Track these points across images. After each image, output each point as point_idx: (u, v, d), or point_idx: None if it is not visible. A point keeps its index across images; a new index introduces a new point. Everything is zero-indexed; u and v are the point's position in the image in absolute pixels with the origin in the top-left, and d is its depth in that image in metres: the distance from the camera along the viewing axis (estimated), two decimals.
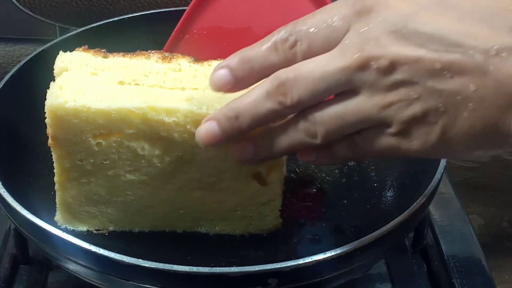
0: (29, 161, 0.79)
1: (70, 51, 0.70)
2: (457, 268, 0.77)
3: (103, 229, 0.75)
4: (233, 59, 0.58)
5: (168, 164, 0.68)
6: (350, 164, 0.85)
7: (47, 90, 0.65)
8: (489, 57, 0.48)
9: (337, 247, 0.62)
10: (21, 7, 1.07)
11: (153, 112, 0.64)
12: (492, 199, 0.99)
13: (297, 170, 0.84)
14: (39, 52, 0.85)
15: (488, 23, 0.49)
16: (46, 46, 0.86)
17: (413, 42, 0.50)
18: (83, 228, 0.74)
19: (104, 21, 0.93)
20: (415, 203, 0.67)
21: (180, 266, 0.60)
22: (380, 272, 0.79)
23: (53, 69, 0.68)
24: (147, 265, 0.60)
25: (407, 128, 0.53)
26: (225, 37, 0.85)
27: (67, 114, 0.64)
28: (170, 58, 0.69)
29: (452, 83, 0.49)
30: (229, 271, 0.60)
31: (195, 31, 0.86)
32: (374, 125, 0.54)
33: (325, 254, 0.61)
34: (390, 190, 0.80)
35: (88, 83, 0.66)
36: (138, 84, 0.67)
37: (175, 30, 0.85)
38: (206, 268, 0.60)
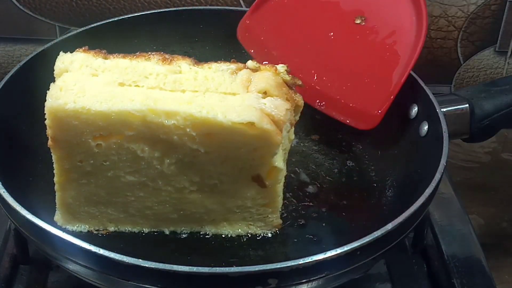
0: (29, 161, 0.79)
1: (70, 51, 0.70)
2: (457, 268, 0.77)
3: (103, 229, 0.75)
4: None
5: (168, 166, 0.68)
6: (350, 164, 0.85)
7: (47, 91, 0.65)
8: None
9: (337, 247, 0.62)
10: (21, 7, 1.07)
11: (153, 115, 0.64)
12: (492, 199, 0.99)
13: (297, 170, 0.84)
14: (39, 52, 0.85)
15: None
16: (46, 46, 0.86)
17: None
18: (83, 228, 0.74)
19: (104, 21, 0.93)
20: (415, 203, 0.67)
21: (180, 266, 0.60)
22: (380, 272, 0.79)
23: (53, 69, 0.68)
24: (147, 265, 0.60)
25: None
26: (310, 8, 0.86)
27: (67, 115, 0.64)
28: (170, 60, 0.69)
29: None
30: (229, 271, 0.60)
31: None
32: None
33: (325, 254, 0.61)
34: (390, 190, 0.80)
35: (88, 85, 0.66)
36: (138, 86, 0.67)
37: None
38: (206, 268, 0.60)
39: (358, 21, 0.82)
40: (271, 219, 0.74)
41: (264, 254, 0.73)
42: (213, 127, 0.65)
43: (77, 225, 0.74)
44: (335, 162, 0.86)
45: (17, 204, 0.66)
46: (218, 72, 0.69)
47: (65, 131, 0.65)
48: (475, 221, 0.84)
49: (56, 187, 0.71)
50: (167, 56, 0.70)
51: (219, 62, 0.70)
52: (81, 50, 0.70)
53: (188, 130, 0.65)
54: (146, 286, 0.62)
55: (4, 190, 0.68)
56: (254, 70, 0.69)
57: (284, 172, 0.72)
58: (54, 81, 0.67)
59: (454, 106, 0.82)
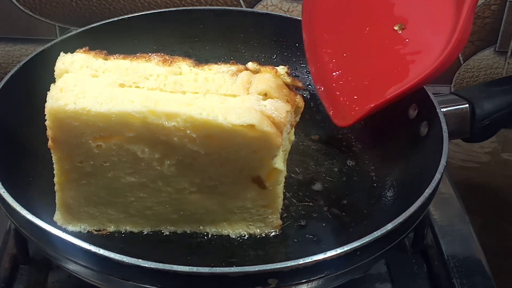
0: (29, 161, 0.79)
1: (70, 52, 0.70)
2: (457, 268, 0.77)
3: (103, 230, 0.75)
4: None
5: (168, 167, 0.68)
6: (350, 164, 0.85)
7: (48, 91, 0.65)
8: None
9: (337, 247, 0.62)
10: (21, 7, 1.07)
11: (153, 116, 0.64)
12: (492, 199, 0.99)
13: (297, 170, 0.84)
14: (39, 52, 0.85)
15: None
16: (46, 46, 0.86)
17: None
18: (83, 228, 0.74)
19: (104, 21, 0.93)
20: (415, 203, 0.67)
21: (180, 266, 0.60)
22: (380, 272, 0.79)
23: (53, 69, 0.68)
24: (147, 265, 0.60)
25: None
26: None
27: (67, 116, 0.64)
28: (171, 62, 0.69)
29: None
30: (229, 271, 0.60)
31: None
32: None
33: (325, 254, 0.61)
34: (390, 190, 0.80)
35: (89, 85, 0.66)
36: (139, 87, 0.67)
37: None
38: (206, 268, 0.60)
39: (396, 28, 0.81)
40: (271, 219, 0.74)
41: (264, 254, 0.73)
42: (214, 129, 0.65)
43: (77, 225, 0.74)
44: (335, 162, 0.86)
45: (17, 204, 0.66)
46: (219, 74, 0.69)
47: (66, 132, 0.65)
48: (475, 221, 0.84)
49: (56, 188, 0.71)
50: (167, 57, 0.70)
51: (219, 63, 0.70)
52: (81, 50, 0.70)
53: (188, 132, 0.65)
54: (146, 286, 0.62)
55: (4, 190, 0.68)
56: (255, 71, 0.69)
57: (284, 173, 0.72)
58: (54, 81, 0.67)
59: (454, 106, 0.82)
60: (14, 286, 0.76)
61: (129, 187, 0.70)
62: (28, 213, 0.65)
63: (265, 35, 0.97)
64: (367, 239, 0.63)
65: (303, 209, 0.79)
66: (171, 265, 0.60)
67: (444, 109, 0.79)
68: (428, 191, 0.68)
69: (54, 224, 0.72)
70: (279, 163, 0.70)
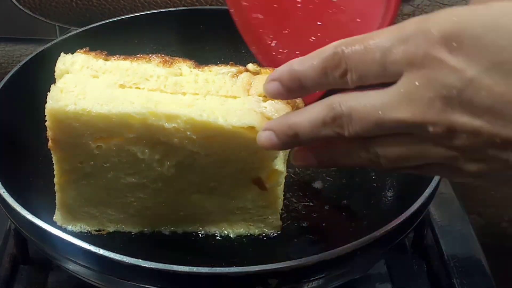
0: (29, 161, 0.79)
1: (71, 52, 0.70)
2: (457, 268, 0.77)
3: (103, 230, 0.75)
4: (284, 75, 0.57)
5: (168, 168, 0.68)
6: None
7: (48, 91, 0.65)
8: None
9: (337, 247, 0.62)
10: (21, 7, 1.07)
11: (154, 118, 0.64)
12: (492, 199, 0.99)
13: (297, 170, 0.84)
14: (39, 52, 0.85)
15: None
16: (46, 46, 0.86)
17: (469, 112, 0.47)
18: (83, 228, 0.74)
19: (104, 21, 0.93)
20: (415, 203, 0.67)
21: (180, 266, 0.60)
22: (380, 272, 0.79)
23: (54, 70, 0.68)
24: (147, 265, 0.60)
25: (473, 172, 0.51)
26: None
27: (68, 117, 0.64)
28: (171, 63, 0.69)
29: None
30: (229, 271, 0.60)
31: None
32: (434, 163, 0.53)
33: (325, 254, 0.61)
34: (390, 190, 0.80)
35: (89, 86, 0.66)
36: (139, 88, 0.67)
37: None
38: (206, 268, 0.60)
39: None
40: (271, 220, 0.74)
41: (264, 254, 0.73)
42: (214, 130, 0.65)
43: (77, 225, 0.74)
44: None
45: (17, 204, 0.66)
46: (219, 75, 0.69)
47: (66, 133, 0.65)
48: (475, 221, 0.84)
49: (56, 188, 0.71)
50: (167, 58, 0.70)
51: (219, 65, 0.70)
52: (81, 51, 0.70)
53: (188, 133, 0.65)
54: (146, 286, 0.62)
55: (4, 190, 0.68)
56: (255, 73, 0.69)
57: (285, 174, 0.72)
58: (54, 81, 0.67)
59: None
60: (14, 286, 0.76)
61: (129, 187, 0.70)
62: (28, 213, 0.65)
63: None
64: (367, 239, 0.63)
65: (303, 209, 0.79)
66: (171, 265, 0.60)
67: None
68: (428, 191, 0.68)
69: (54, 224, 0.72)
70: (280, 164, 0.70)
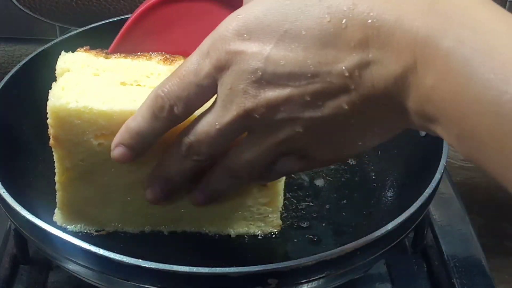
0: (29, 161, 0.79)
1: (71, 51, 0.70)
2: (457, 268, 0.77)
3: (103, 230, 0.75)
4: (124, 136, 0.62)
5: None
6: (350, 164, 0.85)
7: (49, 90, 0.65)
8: (345, 78, 0.50)
9: (337, 247, 0.62)
10: (21, 7, 1.07)
11: None
12: (492, 199, 0.99)
13: None
14: (39, 52, 0.85)
15: (331, 45, 0.50)
16: (46, 46, 0.86)
17: (277, 84, 0.52)
18: (83, 228, 0.74)
19: (104, 21, 0.92)
20: (415, 203, 0.67)
21: (180, 266, 0.60)
22: (380, 272, 0.79)
23: (54, 69, 0.68)
24: (147, 265, 0.60)
25: (307, 152, 0.58)
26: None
27: (69, 115, 0.64)
28: (172, 60, 0.69)
29: (326, 109, 0.52)
30: (229, 271, 0.60)
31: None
32: (280, 155, 0.59)
33: (325, 254, 0.61)
34: (390, 190, 0.80)
35: (90, 84, 0.66)
36: (140, 85, 0.67)
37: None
38: (206, 268, 0.60)
39: None
40: (271, 219, 0.74)
41: (264, 254, 0.73)
42: None
43: (77, 225, 0.74)
44: None
45: (17, 204, 0.66)
46: None
47: (67, 130, 0.65)
48: (475, 221, 0.84)
49: (57, 187, 0.71)
50: (168, 56, 0.70)
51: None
52: (82, 49, 0.70)
53: None
54: (146, 286, 0.62)
55: (4, 190, 0.68)
56: None
57: None
58: (55, 80, 0.67)
59: None
60: (14, 286, 0.76)
61: (130, 185, 0.70)
62: (28, 213, 0.65)
63: None
64: (367, 239, 0.63)
65: (303, 209, 0.79)
66: (171, 265, 0.60)
67: None
68: (428, 191, 0.68)
69: (54, 224, 0.72)
70: None
